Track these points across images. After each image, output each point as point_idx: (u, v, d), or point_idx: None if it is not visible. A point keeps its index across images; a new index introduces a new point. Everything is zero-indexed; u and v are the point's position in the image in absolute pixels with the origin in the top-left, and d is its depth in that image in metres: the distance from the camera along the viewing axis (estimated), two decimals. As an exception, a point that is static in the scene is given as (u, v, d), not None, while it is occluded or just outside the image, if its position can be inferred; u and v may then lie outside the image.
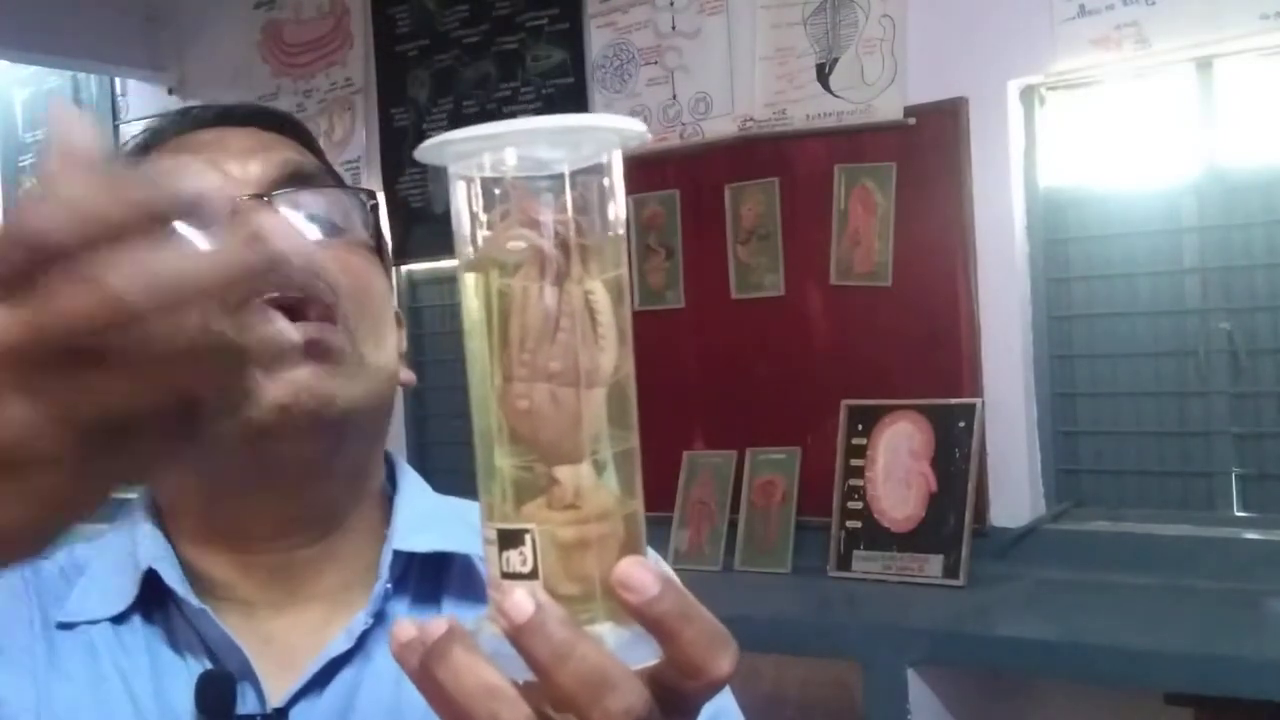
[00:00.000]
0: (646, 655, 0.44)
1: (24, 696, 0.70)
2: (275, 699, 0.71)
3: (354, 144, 3.61)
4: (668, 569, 0.58)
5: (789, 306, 2.86)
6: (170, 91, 4.07)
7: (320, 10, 3.71)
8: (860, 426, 2.70)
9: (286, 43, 3.79)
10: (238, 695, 0.70)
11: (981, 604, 2.41)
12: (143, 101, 4.18)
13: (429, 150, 0.45)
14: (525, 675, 0.43)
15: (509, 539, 0.44)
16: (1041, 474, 2.61)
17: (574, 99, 3.16)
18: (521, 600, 0.42)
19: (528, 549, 0.44)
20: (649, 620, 0.43)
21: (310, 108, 3.70)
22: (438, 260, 3.52)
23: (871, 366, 2.75)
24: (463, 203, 0.46)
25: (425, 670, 0.44)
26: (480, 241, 0.46)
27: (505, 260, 0.45)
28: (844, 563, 2.65)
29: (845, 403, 2.72)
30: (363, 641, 0.73)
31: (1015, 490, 2.60)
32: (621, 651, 0.43)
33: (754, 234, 2.91)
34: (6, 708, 0.69)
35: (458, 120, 3.37)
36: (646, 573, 0.43)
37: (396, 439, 3.36)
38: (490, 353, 0.45)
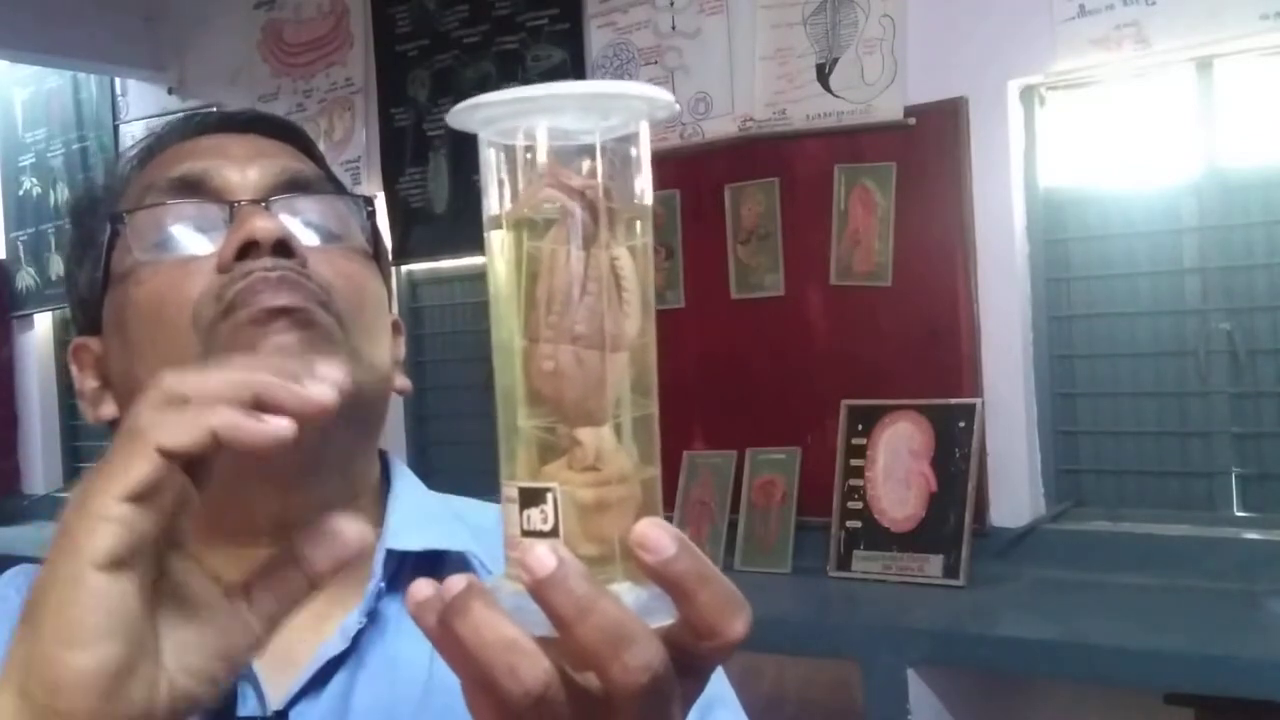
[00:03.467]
0: (663, 615, 0.44)
1: None
2: (275, 700, 0.70)
3: (354, 144, 3.61)
4: None
5: (789, 306, 2.86)
6: (170, 91, 4.08)
7: (320, 10, 3.71)
8: (860, 426, 2.70)
9: (286, 43, 3.79)
10: (238, 696, 0.69)
11: (981, 604, 2.41)
12: (143, 101, 4.19)
13: (460, 114, 0.46)
14: (545, 631, 0.43)
15: (531, 497, 0.44)
16: (1041, 474, 2.61)
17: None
18: (544, 554, 0.42)
19: (549, 507, 0.44)
20: (666, 580, 0.44)
21: (310, 108, 3.71)
22: (438, 260, 3.52)
23: (871, 366, 2.75)
24: (492, 167, 0.46)
25: (444, 626, 0.44)
26: (510, 204, 0.46)
27: (534, 222, 0.45)
28: (844, 563, 2.64)
29: (845, 403, 2.72)
30: (357, 641, 0.73)
31: (1015, 490, 2.60)
32: (639, 611, 0.43)
33: (754, 234, 2.91)
34: None
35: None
36: (664, 534, 0.44)
37: (396, 440, 3.35)
38: (516, 314, 0.46)
